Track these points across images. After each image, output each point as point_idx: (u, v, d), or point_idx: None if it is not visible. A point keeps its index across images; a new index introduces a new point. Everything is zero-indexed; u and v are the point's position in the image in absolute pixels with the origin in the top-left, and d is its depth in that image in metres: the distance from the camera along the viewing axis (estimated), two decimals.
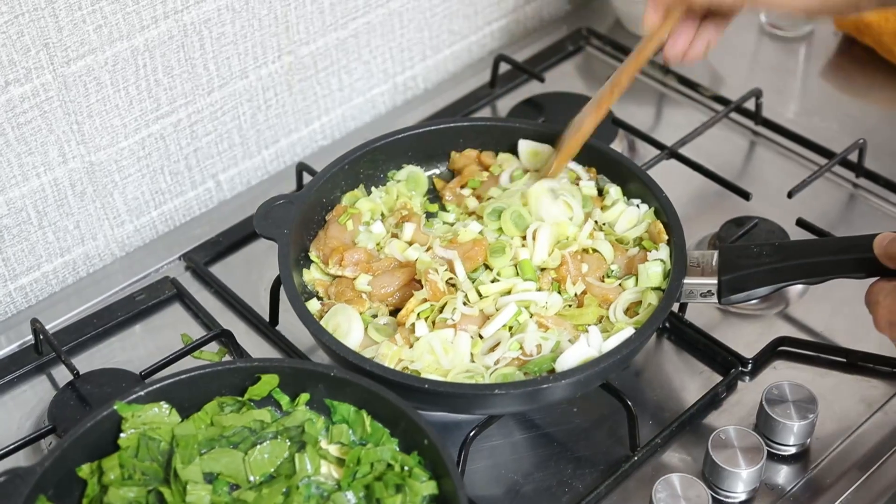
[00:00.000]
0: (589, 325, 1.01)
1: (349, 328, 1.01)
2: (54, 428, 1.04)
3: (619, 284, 1.04)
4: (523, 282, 1.04)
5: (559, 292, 1.04)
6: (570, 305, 1.04)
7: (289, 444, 0.92)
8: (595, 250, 1.07)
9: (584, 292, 1.04)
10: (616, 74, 1.09)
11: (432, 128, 1.18)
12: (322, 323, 1.01)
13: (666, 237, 1.06)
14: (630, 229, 1.09)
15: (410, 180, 1.16)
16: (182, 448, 0.90)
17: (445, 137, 1.18)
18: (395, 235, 1.11)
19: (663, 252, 1.04)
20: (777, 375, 1.10)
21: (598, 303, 1.03)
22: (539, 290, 1.03)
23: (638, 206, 1.10)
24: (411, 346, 0.99)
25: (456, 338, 0.99)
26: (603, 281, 1.05)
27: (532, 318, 1.01)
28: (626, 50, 1.46)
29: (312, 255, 1.09)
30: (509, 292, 1.03)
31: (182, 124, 1.25)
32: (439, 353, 0.98)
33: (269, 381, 0.94)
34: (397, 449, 0.92)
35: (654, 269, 1.03)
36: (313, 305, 1.04)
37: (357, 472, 0.90)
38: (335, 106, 1.39)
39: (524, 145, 1.16)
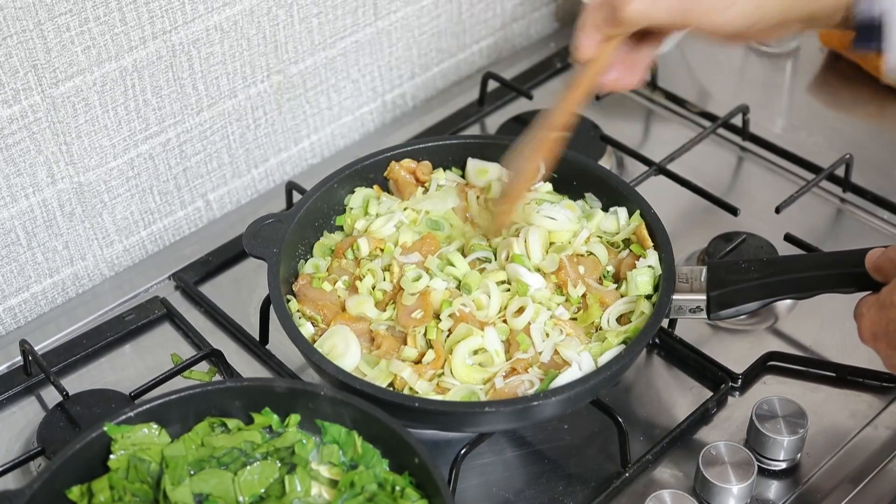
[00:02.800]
0: (596, 324, 1.02)
1: (346, 349, 1.01)
2: (43, 450, 1.04)
3: (616, 288, 1.05)
4: (528, 273, 1.04)
5: (566, 298, 1.05)
6: (577, 310, 1.04)
7: (279, 465, 0.92)
8: (591, 253, 1.07)
9: (583, 295, 1.04)
10: (551, 114, 1.02)
11: (420, 146, 1.18)
12: (317, 345, 1.01)
13: (650, 243, 1.06)
14: (616, 234, 1.09)
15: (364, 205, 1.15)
16: (171, 469, 0.90)
17: (435, 155, 1.18)
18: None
19: (652, 258, 1.05)
20: (767, 390, 1.10)
21: (599, 304, 1.03)
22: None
23: (616, 211, 1.10)
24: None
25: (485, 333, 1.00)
26: (601, 283, 1.06)
27: (552, 321, 1.02)
28: None
29: (305, 313, 1.06)
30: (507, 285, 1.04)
31: (171, 144, 1.26)
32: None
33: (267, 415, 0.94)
34: (388, 469, 0.91)
35: (642, 278, 1.03)
36: (307, 331, 1.04)
37: (348, 494, 0.90)
38: (324, 124, 1.40)
39: (472, 164, 1.17)
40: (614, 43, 0.98)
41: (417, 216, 1.12)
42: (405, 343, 1.02)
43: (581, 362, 0.98)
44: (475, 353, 1.01)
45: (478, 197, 1.13)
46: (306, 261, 1.10)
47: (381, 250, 1.09)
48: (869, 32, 0.94)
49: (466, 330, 1.01)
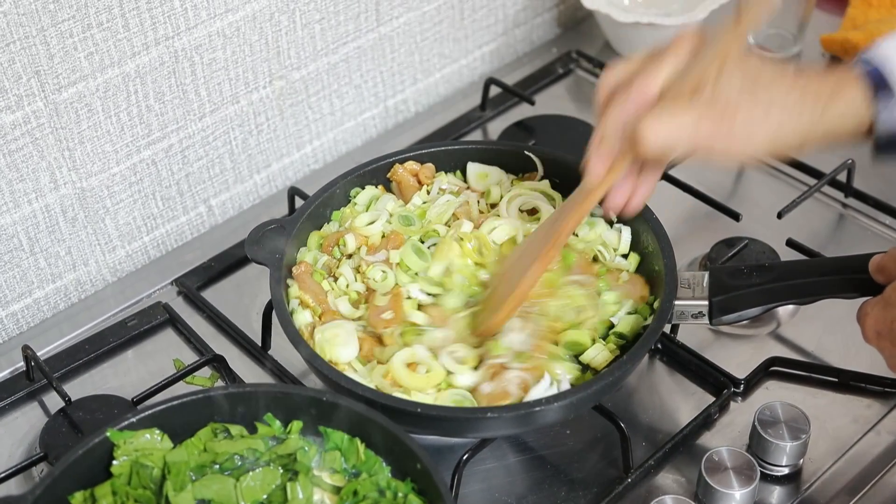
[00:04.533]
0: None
1: (346, 340, 1.01)
2: (46, 455, 1.04)
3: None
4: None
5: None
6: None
7: (281, 471, 0.92)
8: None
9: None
10: (555, 227, 0.99)
11: (422, 151, 1.18)
12: (317, 331, 1.01)
13: (647, 295, 1.04)
14: (616, 249, 1.09)
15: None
16: (174, 475, 0.90)
17: (437, 160, 1.18)
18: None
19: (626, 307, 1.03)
20: (769, 396, 1.10)
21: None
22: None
23: (620, 230, 1.10)
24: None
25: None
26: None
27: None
28: None
29: (304, 300, 1.05)
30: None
31: (173, 149, 1.26)
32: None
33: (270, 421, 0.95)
34: (390, 475, 0.91)
35: (612, 307, 1.03)
36: (304, 319, 1.03)
37: (350, 502, 0.90)
38: (326, 130, 1.40)
39: (472, 168, 1.17)
40: (624, 167, 0.95)
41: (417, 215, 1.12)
42: (381, 343, 1.02)
43: (561, 384, 0.97)
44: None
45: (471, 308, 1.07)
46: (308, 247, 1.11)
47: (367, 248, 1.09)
48: (893, 145, 0.92)
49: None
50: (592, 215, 1.10)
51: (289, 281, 1.06)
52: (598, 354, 1.00)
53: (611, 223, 1.11)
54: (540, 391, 0.96)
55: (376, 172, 1.16)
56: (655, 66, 0.92)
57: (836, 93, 0.91)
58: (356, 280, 1.07)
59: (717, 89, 0.89)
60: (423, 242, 1.09)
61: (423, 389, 0.98)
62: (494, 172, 1.16)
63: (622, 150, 0.93)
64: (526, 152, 1.16)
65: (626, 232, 1.09)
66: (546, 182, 1.16)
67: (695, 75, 0.90)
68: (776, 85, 0.90)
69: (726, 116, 0.89)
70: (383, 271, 1.06)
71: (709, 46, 0.91)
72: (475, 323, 1.03)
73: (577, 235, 1.08)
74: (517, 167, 1.17)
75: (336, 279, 1.07)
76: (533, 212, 1.12)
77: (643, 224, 1.09)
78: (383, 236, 1.10)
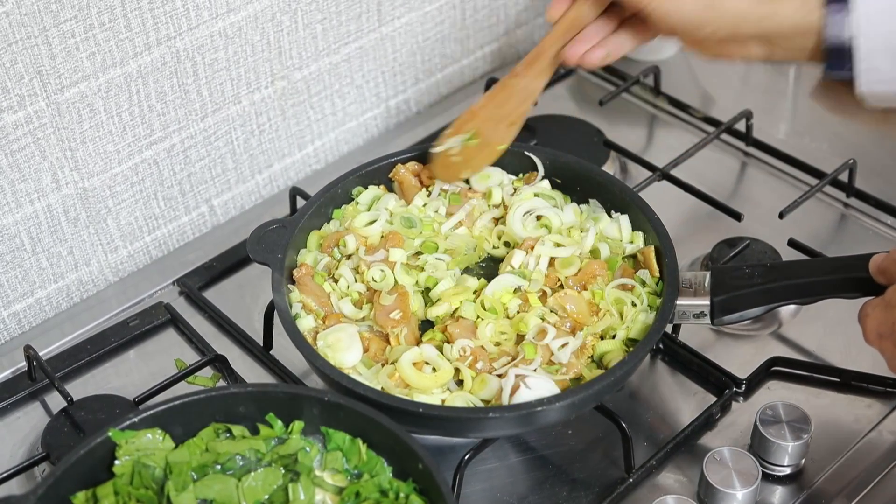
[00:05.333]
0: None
1: (350, 344, 1.01)
2: (48, 455, 1.04)
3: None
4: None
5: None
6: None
7: (283, 472, 0.92)
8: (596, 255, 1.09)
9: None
10: (519, 68, 1.09)
11: (424, 151, 1.18)
12: (320, 336, 1.01)
13: (657, 270, 1.05)
14: (619, 241, 1.09)
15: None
16: (175, 475, 0.90)
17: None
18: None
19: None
20: (771, 396, 1.10)
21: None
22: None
23: (618, 218, 1.11)
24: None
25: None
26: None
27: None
28: (616, 71, 1.47)
29: (306, 304, 1.05)
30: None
31: (175, 150, 1.26)
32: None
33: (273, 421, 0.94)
34: (392, 476, 0.91)
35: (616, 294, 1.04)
36: (307, 324, 1.04)
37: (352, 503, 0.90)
38: (328, 130, 1.40)
39: None
40: (581, 6, 1.02)
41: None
42: (388, 342, 1.02)
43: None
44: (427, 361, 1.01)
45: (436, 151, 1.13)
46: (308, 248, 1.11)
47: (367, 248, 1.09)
48: (840, 58, 0.95)
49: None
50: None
51: (290, 286, 1.05)
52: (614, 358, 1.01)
53: (609, 214, 1.12)
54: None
55: (378, 172, 1.16)
56: None
57: None
58: (356, 280, 1.07)
59: None
60: (421, 255, 1.09)
61: (430, 389, 0.98)
62: (496, 173, 1.16)
63: None
64: (527, 153, 1.16)
65: (625, 219, 1.10)
66: (546, 182, 1.16)
67: None
68: None
69: None
70: (382, 270, 1.06)
71: None
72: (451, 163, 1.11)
73: (607, 241, 1.10)
74: (518, 167, 1.18)
75: (336, 280, 1.07)
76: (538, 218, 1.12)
77: (646, 226, 1.09)
78: (382, 237, 1.11)
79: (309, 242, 1.10)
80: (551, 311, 1.04)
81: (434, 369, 0.99)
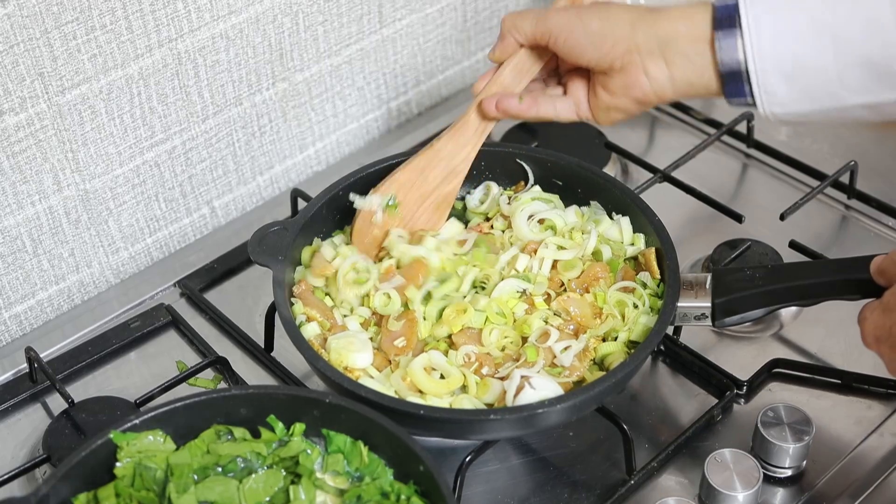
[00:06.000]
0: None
1: (362, 347, 1.01)
2: (49, 457, 1.04)
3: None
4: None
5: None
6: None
7: (284, 474, 0.92)
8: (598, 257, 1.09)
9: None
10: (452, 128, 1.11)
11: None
12: (330, 340, 1.01)
13: (658, 272, 1.06)
14: (620, 243, 1.09)
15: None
16: (177, 477, 0.90)
17: None
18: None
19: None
20: (772, 397, 1.10)
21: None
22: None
23: (619, 220, 1.11)
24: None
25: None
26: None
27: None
28: None
29: (311, 315, 1.05)
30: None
31: (177, 151, 1.26)
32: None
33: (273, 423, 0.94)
34: (393, 478, 0.91)
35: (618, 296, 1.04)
36: (312, 331, 1.04)
37: None
38: (329, 132, 1.40)
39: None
40: (504, 74, 1.08)
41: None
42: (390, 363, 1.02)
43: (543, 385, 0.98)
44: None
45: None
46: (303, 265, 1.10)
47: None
48: (736, 81, 0.98)
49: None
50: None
51: (292, 299, 1.05)
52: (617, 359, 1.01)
53: (610, 216, 1.12)
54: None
55: (379, 175, 1.16)
56: None
57: (679, 9, 1.00)
58: (362, 304, 1.07)
59: None
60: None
61: (440, 394, 0.98)
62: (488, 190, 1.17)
63: (491, 54, 1.10)
64: (518, 161, 1.16)
65: (625, 221, 1.10)
66: (538, 188, 1.16)
67: None
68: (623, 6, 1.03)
69: (569, 6, 1.04)
70: (386, 294, 1.05)
71: None
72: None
73: (609, 243, 1.10)
74: (510, 173, 1.18)
75: (334, 300, 1.07)
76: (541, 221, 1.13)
77: (647, 227, 1.09)
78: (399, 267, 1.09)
79: (304, 258, 1.10)
80: (555, 315, 1.04)
81: (442, 375, 1.00)
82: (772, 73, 0.96)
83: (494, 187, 1.17)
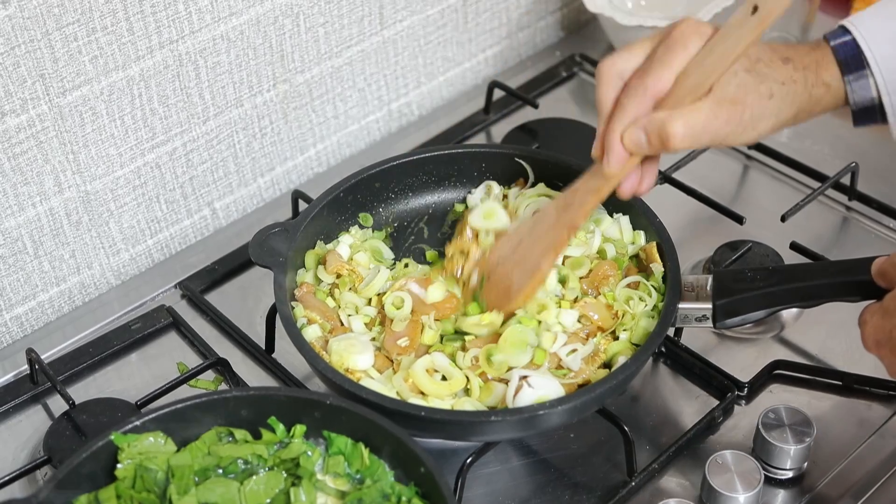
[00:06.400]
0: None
1: (363, 349, 1.01)
2: (50, 458, 1.04)
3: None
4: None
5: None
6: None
7: (285, 475, 0.92)
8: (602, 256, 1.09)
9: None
10: (569, 212, 1.01)
11: (427, 154, 1.18)
12: (331, 342, 1.01)
13: (659, 259, 1.06)
14: (620, 241, 1.09)
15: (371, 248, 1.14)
16: (178, 479, 0.90)
17: (441, 164, 1.18)
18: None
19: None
20: (773, 399, 1.10)
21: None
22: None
23: (619, 219, 1.11)
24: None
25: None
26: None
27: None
28: None
29: (311, 318, 1.05)
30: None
31: (178, 153, 1.26)
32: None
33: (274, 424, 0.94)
34: (394, 480, 0.91)
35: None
36: (313, 333, 1.04)
37: None
38: (330, 133, 1.40)
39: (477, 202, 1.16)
40: (636, 161, 0.97)
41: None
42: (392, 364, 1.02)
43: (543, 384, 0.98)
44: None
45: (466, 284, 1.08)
46: (306, 268, 1.10)
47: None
48: (869, 113, 1.01)
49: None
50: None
51: (293, 303, 1.05)
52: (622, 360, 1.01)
53: (611, 214, 1.12)
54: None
55: (380, 176, 1.16)
56: (667, 58, 0.94)
57: (818, 76, 0.99)
58: (368, 304, 1.07)
59: (727, 81, 0.93)
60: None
61: (442, 395, 0.98)
62: (502, 216, 1.15)
63: (651, 146, 0.95)
64: (517, 159, 1.16)
65: (625, 219, 1.11)
66: (542, 185, 1.16)
67: (708, 69, 0.92)
68: (772, 72, 0.96)
69: (737, 106, 0.94)
70: (401, 297, 1.05)
71: (721, 40, 0.93)
72: (482, 303, 1.06)
73: (611, 241, 1.09)
74: (509, 172, 1.18)
75: (336, 300, 1.07)
76: None
77: (647, 228, 1.09)
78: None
79: (307, 261, 1.10)
80: (578, 321, 1.04)
81: (444, 377, 0.99)
82: None
83: (496, 187, 1.17)
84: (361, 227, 1.16)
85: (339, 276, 1.08)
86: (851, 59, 0.99)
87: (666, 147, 0.94)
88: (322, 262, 1.10)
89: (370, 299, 1.08)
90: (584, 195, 1.01)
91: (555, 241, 1.02)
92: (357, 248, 1.12)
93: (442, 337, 1.05)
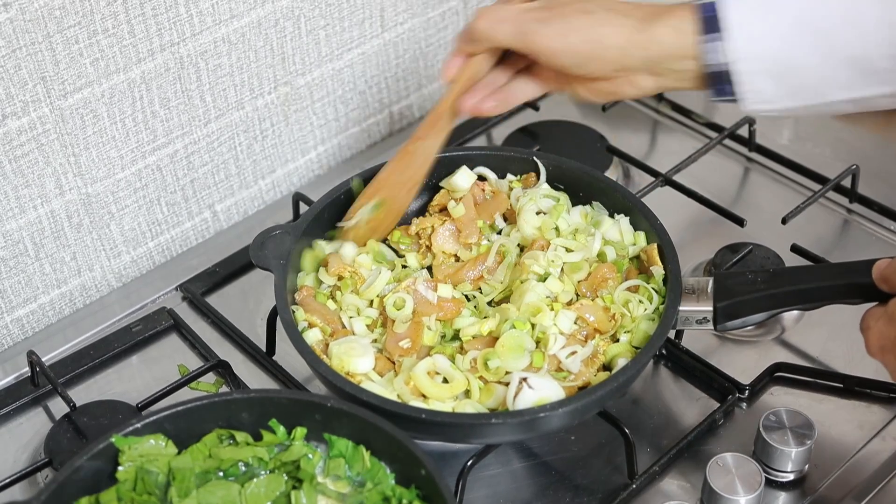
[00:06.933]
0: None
1: (363, 352, 1.01)
2: (50, 461, 1.04)
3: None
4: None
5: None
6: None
7: (286, 478, 0.92)
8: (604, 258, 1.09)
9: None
10: (418, 131, 1.09)
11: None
12: (332, 346, 1.01)
13: (660, 261, 1.06)
14: (620, 242, 1.09)
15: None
16: (178, 481, 0.90)
17: (442, 166, 1.18)
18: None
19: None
20: (774, 401, 1.10)
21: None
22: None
23: (619, 219, 1.11)
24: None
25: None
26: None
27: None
28: None
29: (312, 322, 1.05)
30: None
31: (179, 155, 1.26)
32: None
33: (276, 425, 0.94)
34: (394, 482, 0.91)
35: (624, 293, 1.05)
36: (314, 337, 1.04)
37: None
38: (331, 136, 1.40)
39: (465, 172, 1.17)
40: (476, 62, 1.03)
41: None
42: (394, 366, 1.02)
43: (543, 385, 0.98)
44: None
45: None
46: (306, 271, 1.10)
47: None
48: (722, 82, 0.98)
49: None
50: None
51: (293, 307, 1.05)
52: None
53: (611, 215, 1.12)
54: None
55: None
56: None
57: (666, 16, 0.98)
58: (370, 306, 1.07)
59: None
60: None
61: (444, 398, 0.98)
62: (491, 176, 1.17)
63: (463, 39, 1.02)
64: (534, 158, 1.16)
65: (625, 221, 1.11)
66: (546, 186, 1.16)
67: None
68: (612, 2, 0.99)
69: (553, 16, 0.98)
70: (402, 298, 1.05)
71: None
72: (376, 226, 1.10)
73: (612, 244, 1.09)
74: (519, 170, 1.18)
75: (337, 302, 1.07)
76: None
77: (648, 230, 1.09)
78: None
79: (305, 264, 1.10)
80: (574, 323, 1.04)
81: (445, 380, 0.99)
82: (758, 73, 0.96)
83: (490, 173, 1.17)
84: None
85: (340, 278, 1.08)
86: (710, 21, 0.96)
87: (469, 33, 1.01)
88: (323, 264, 1.10)
89: (371, 301, 1.08)
90: (430, 113, 1.07)
91: (404, 158, 1.09)
92: (359, 249, 1.12)
93: (443, 336, 1.05)
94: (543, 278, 1.06)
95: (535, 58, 1.02)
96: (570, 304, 1.05)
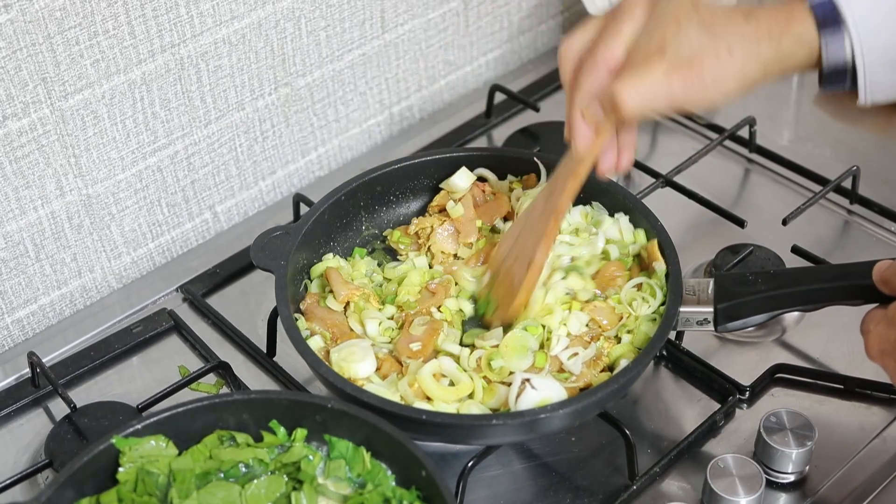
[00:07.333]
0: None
1: (363, 357, 1.01)
2: (51, 462, 1.04)
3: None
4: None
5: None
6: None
7: (286, 479, 0.92)
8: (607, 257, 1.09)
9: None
10: (552, 200, 1.03)
11: (428, 158, 1.18)
12: (333, 352, 1.01)
13: (661, 257, 1.06)
14: (619, 241, 1.09)
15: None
16: (179, 483, 0.90)
17: (443, 167, 1.19)
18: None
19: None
20: (775, 403, 1.10)
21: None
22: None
23: (618, 218, 1.11)
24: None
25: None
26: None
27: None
28: None
29: (314, 330, 1.05)
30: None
31: (179, 156, 1.26)
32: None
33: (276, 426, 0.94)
34: (395, 484, 0.91)
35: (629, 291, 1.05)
36: (316, 343, 1.04)
37: None
38: (331, 137, 1.40)
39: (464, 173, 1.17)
40: (609, 131, 0.97)
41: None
42: (401, 367, 1.02)
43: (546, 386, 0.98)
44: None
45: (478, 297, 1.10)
46: (311, 280, 1.11)
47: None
48: (840, 75, 0.96)
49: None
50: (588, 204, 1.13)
51: (296, 315, 1.05)
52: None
53: (611, 214, 1.12)
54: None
55: (381, 180, 1.17)
56: (615, 28, 0.94)
57: (788, 27, 0.94)
58: (390, 318, 1.07)
59: (679, 43, 0.92)
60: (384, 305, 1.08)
61: (449, 400, 0.98)
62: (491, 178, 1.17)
63: (604, 116, 0.95)
64: (535, 159, 1.17)
65: (624, 219, 1.11)
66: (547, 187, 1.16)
67: (656, 34, 0.92)
68: (731, 28, 0.93)
69: (694, 67, 0.92)
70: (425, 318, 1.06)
71: (663, 4, 0.93)
72: (488, 312, 1.06)
73: (614, 242, 1.09)
74: (521, 173, 1.18)
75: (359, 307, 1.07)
76: None
77: (648, 230, 1.09)
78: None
79: (312, 275, 1.10)
80: (585, 325, 1.04)
81: (451, 382, 0.99)
82: (877, 65, 0.94)
83: (490, 174, 1.17)
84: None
85: (348, 304, 1.08)
86: (829, 17, 0.94)
87: (619, 115, 0.93)
88: (328, 281, 1.09)
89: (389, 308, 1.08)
90: (563, 180, 1.02)
91: (544, 231, 1.03)
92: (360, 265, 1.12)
93: (462, 333, 1.06)
94: (568, 272, 1.05)
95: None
96: (588, 302, 1.05)
